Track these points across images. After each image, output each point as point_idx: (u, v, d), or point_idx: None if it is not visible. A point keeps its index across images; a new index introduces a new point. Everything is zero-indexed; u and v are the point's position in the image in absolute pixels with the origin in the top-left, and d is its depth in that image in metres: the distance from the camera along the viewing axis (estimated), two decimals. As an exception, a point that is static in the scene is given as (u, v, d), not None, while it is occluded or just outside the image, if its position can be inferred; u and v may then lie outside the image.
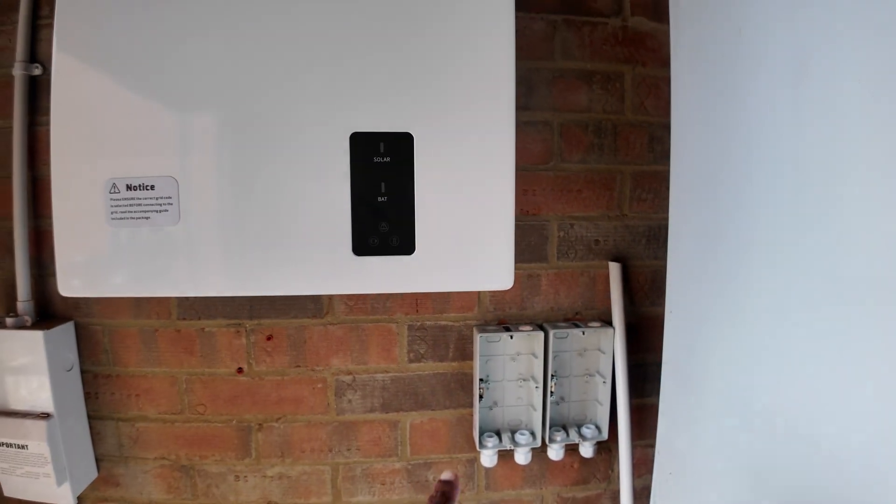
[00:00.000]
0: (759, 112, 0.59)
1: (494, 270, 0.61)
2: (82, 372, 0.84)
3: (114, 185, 0.60)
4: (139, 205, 0.59)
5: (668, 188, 0.86)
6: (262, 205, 0.59)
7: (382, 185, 0.59)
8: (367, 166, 0.59)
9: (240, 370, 0.84)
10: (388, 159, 0.59)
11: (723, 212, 0.66)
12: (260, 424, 0.86)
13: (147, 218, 0.60)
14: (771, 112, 0.57)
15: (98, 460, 0.86)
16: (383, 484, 0.88)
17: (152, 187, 0.59)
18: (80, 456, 0.84)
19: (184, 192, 0.59)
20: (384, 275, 0.60)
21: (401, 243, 0.60)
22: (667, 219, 0.89)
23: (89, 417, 0.85)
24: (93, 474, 0.86)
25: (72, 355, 0.83)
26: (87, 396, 0.85)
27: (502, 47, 0.61)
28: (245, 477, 0.87)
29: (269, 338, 0.84)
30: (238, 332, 0.84)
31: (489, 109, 0.61)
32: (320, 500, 0.88)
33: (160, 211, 0.59)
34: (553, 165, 0.85)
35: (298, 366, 0.84)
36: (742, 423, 0.63)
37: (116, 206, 0.60)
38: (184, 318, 0.84)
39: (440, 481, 0.40)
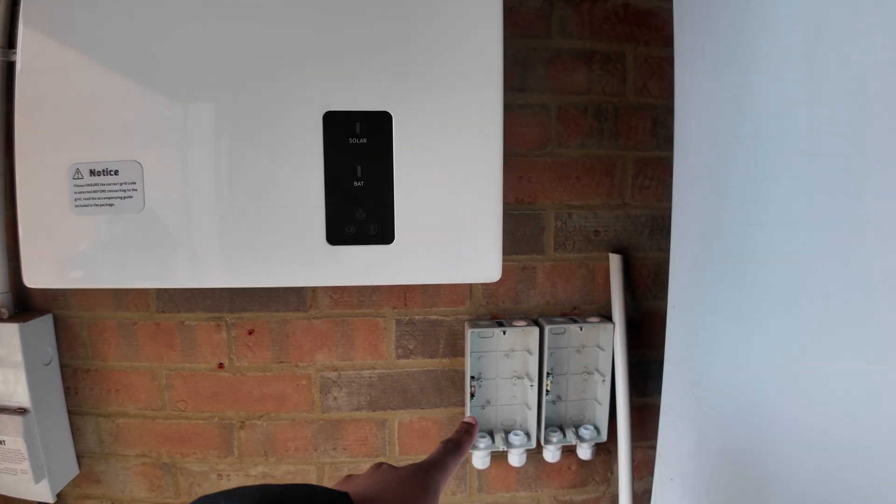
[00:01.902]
0: (769, 90, 0.54)
1: (481, 261, 0.57)
2: (61, 366, 0.82)
3: (77, 171, 0.56)
4: (103, 191, 0.56)
5: (671, 175, 0.81)
6: (229, 190, 0.55)
7: (358, 168, 0.55)
8: (342, 148, 0.55)
9: (221, 365, 0.81)
10: (365, 141, 0.55)
11: (730, 200, 0.61)
12: (242, 422, 0.83)
13: (111, 205, 0.56)
14: (783, 89, 0.52)
15: (79, 457, 0.84)
16: (371, 485, 0.84)
17: (116, 172, 0.56)
18: (59, 452, 0.81)
19: (148, 177, 0.55)
20: (361, 265, 0.56)
21: (378, 231, 0.56)
22: (670, 208, 0.84)
23: (69, 413, 0.83)
24: (73, 471, 0.84)
25: (50, 349, 0.81)
26: (67, 391, 0.82)
27: (490, 21, 0.56)
28: (228, 476, 0.84)
29: (250, 332, 0.80)
30: (218, 325, 0.80)
31: (475, 87, 0.56)
32: (306, 500, 0.84)
33: (124, 197, 0.56)
34: (550, 150, 0.81)
35: (281, 361, 0.81)
36: (749, 426, 0.58)
37: (80, 192, 0.56)
38: (163, 311, 0.80)
39: (463, 423, 0.40)
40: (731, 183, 0.61)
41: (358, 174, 0.55)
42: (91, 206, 0.56)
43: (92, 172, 0.56)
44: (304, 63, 0.54)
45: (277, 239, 0.55)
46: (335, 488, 0.29)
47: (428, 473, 0.33)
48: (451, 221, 0.56)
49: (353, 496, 0.27)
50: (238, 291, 0.80)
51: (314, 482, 0.84)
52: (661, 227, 0.84)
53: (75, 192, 0.56)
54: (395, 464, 0.34)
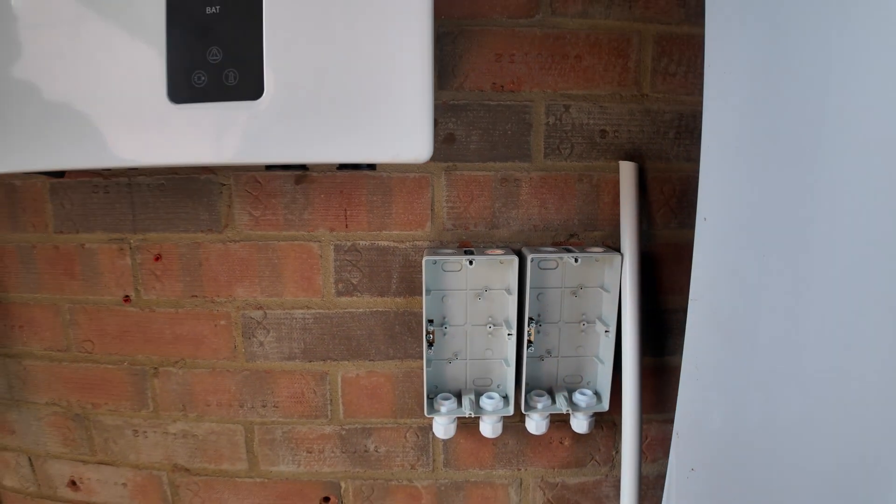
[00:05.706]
0: None
1: (397, 129, 0.38)
2: (-41, 298, 0.69)
3: None
4: None
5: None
6: (27, 27, 0.38)
7: (212, -16, 0.37)
8: (189, -46, 0.37)
9: (126, 298, 0.66)
10: (223, -57, 0.37)
11: (788, 84, 0.40)
12: (155, 368, 0.68)
13: None
14: None
15: (-12, 403, 0.72)
16: (310, 452, 0.68)
17: None
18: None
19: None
20: (215, 133, 0.38)
21: (241, 81, 0.37)
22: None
23: (-29, 353, 0.70)
24: (-19, 419, 0.72)
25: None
26: (-34, 328, 0.69)
27: None
28: (144, 432, 0.70)
29: (157, 258, 0.65)
30: (121, 249, 0.65)
31: None
32: (234, 466, 0.70)
33: None
34: (541, 20, 0.60)
35: (195, 295, 0.65)
36: (803, 395, 0.38)
37: None
38: (61, 232, 0.66)
39: None
40: (789, 61, 0.39)
41: (211, -8, 0.37)
42: None
43: None
44: None
45: (96, 99, 0.37)
46: None
47: None
48: (351, 67, 0.37)
49: None
50: (141, 206, 0.64)
51: (242, 445, 0.69)
52: (691, 129, 0.62)
53: None
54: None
